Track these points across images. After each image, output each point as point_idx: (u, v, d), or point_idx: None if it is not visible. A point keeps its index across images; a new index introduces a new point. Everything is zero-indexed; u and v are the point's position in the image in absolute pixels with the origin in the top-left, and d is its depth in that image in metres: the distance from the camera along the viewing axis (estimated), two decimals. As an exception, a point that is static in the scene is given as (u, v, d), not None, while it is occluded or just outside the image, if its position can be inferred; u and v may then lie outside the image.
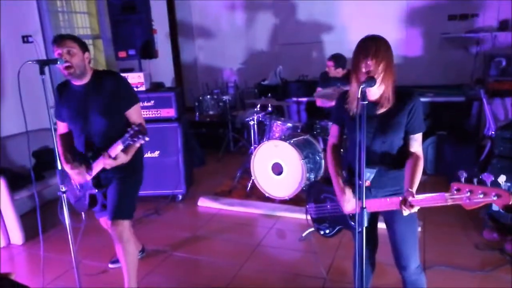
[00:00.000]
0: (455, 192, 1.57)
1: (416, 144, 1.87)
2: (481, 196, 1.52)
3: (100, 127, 2.39)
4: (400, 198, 1.74)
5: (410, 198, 1.67)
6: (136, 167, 2.58)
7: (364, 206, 1.63)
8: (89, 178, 2.44)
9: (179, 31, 7.53)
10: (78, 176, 2.44)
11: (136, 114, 2.47)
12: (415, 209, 1.68)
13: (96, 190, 2.50)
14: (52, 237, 3.60)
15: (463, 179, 1.54)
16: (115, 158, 2.28)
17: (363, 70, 1.72)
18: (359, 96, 1.55)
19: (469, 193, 1.54)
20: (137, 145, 2.32)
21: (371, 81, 1.64)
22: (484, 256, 3.00)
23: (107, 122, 2.38)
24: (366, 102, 1.58)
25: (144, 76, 4.09)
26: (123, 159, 2.33)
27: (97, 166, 2.37)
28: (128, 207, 2.53)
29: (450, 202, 1.60)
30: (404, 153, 1.89)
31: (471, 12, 5.74)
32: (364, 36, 1.79)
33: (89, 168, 2.41)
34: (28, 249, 3.51)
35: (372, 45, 1.71)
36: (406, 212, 1.70)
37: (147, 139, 2.14)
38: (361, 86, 1.57)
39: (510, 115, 4.57)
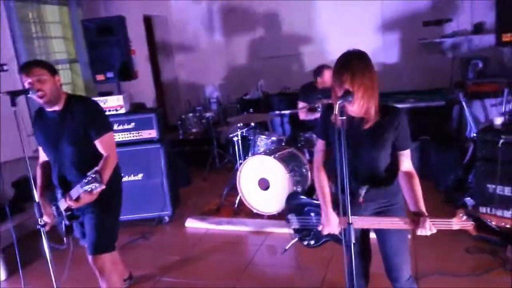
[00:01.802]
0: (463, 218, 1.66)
1: (407, 161, 1.86)
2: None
3: (70, 156, 2.32)
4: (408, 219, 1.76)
5: (428, 220, 1.69)
6: (113, 197, 2.49)
7: (350, 222, 1.60)
8: (62, 207, 2.36)
9: (158, 50, 7.51)
10: (47, 216, 2.35)
11: (105, 144, 2.36)
12: (434, 231, 1.70)
13: (68, 222, 2.41)
14: (36, 270, 3.46)
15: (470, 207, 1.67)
16: (77, 200, 2.18)
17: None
18: (336, 112, 1.53)
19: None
20: (96, 192, 2.14)
21: (347, 95, 1.63)
22: (476, 259, 2.99)
23: (77, 151, 2.31)
24: (345, 118, 1.57)
25: (124, 98, 4.04)
26: (87, 199, 2.21)
27: (63, 205, 2.29)
28: (106, 240, 2.45)
29: (455, 227, 1.69)
30: (392, 169, 1.88)
31: (445, 17, 5.85)
32: (340, 56, 1.74)
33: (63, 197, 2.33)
34: (12, 283, 3.39)
35: (347, 74, 1.66)
36: (425, 232, 1.70)
37: (103, 187, 2.06)
38: (338, 102, 1.55)
39: (490, 116, 4.63)
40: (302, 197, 2.21)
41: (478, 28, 5.57)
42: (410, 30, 6.05)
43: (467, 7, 5.71)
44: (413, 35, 6.00)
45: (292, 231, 2.27)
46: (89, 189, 2.05)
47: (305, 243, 2.21)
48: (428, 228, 1.68)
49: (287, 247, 3.31)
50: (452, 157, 4.25)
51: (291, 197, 2.29)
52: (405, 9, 6.03)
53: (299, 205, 2.18)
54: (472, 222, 1.62)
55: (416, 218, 1.72)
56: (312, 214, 2.12)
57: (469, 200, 1.39)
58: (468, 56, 5.41)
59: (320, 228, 1.97)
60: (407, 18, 6.06)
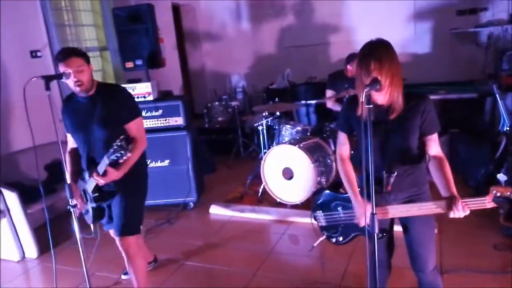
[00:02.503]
0: (498, 195, 1.58)
1: (435, 145, 1.83)
2: None
3: (101, 139, 2.38)
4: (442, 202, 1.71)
5: (461, 200, 1.65)
6: (139, 180, 2.56)
7: (375, 212, 1.59)
8: (89, 189, 2.43)
9: (186, 39, 7.56)
10: (78, 201, 2.43)
11: (135, 128, 2.43)
12: (467, 212, 1.66)
13: (95, 205, 2.48)
14: (66, 250, 3.62)
15: (503, 183, 1.57)
16: (104, 175, 2.24)
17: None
18: (362, 100, 1.52)
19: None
20: (123, 161, 2.18)
21: (375, 83, 1.61)
22: (503, 257, 2.91)
23: (108, 134, 2.35)
24: (371, 106, 1.56)
25: (152, 86, 4.10)
26: (114, 175, 2.27)
27: (91, 183, 2.36)
28: (133, 223, 2.51)
29: (489, 206, 1.62)
30: (419, 155, 1.86)
31: (480, 6, 5.64)
32: (364, 45, 1.73)
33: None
34: (43, 262, 3.53)
35: (375, 62, 1.64)
36: (458, 214, 1.66)
37: (129, 154, 2.07)
38: (365, 90, 1.54)
39: (525, 109, 4.46)
40: (328, 191, 2.17)
41: (515, 18, 5.34)
42: (443, 19, 5.86)
43: (504, -4, 5.48)
44: (446, 25, 5.82)
45: (319, 228, 2.24)
46: (116, 158, 2.07)
47: (333, 240, 2.17)
48: (460, 210, 1.64)
49: (315, 244, 3.33)
50: (483, 151, 4.12)
51: (317, 193, 2.26)
52: (439, -3, 5.84)
53: (325, 200, 2.16)
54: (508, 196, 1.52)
55: (448, 201, 1.67)
56: (340, 208, 2.09)
57: (502, 176, 1.34)
58: (503, 46, 5.20)
59: (356, 221, 1.94)
60: (440, 6, 5.87)
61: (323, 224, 2.20)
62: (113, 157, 2.09)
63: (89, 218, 2.60)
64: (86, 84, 2.30)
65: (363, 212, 1.86)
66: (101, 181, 2.27)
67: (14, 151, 4.06)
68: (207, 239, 3.67)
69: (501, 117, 4.23)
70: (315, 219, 2.23)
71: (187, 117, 4.19)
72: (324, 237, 2.24)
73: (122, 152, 2.04)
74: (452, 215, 1.67)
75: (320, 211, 2.18)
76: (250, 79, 7.33)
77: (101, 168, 2.23)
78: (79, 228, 2.23)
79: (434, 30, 6.03)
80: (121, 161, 2.15)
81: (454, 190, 1.72)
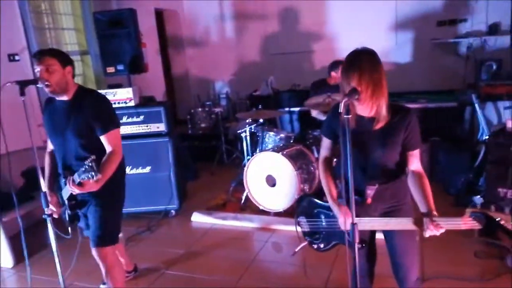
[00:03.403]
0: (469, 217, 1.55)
1: (416, 161, 1.83)
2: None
3: (74, 148, 2.31)
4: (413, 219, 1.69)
5: (435, 219, 1.62)
6: (114, 190, 2.47)
7: (355, 222, 1.58)
8: (65, 196, 2.36)
9: (169, 44, 7.51)
10: (54, 206, 2.37)
11: (111, 140, 2.33)
12: (442, 230, 1.63)
13: (71, 212, 2.41)
14: (43, 259, 3.51)
15: (478, 207, 1.54)
16: (80, 185, 2.14)
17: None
18: (341, 110, 1.50)
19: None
20: (93, 180, 2.09)
21: (353, 93, 1.60)
22: (484, 264, 2.94)
23: (81, 143, 2.30)
24: (350, 116, 1.54)
25: (133, 91, 4.04)
26: (91, 187, 2.17)
27: (66, 191, 2.29)
28: (109, 233, 2.45)
29: (464, 227, 1.58)
30: (400, 168, 1.85)
31: (459, 17, 5.76)
32: (349, 54, 1.72)
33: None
34: (19, 272, 3.42)
35: (355, 73, 1.63)
36: (431, 233, 1.64)
37: (99, 176, 2.01)
38: (344, 100, 1.52)
39: (503, 119, 4.56)
40: (312, 198, 2.16)
41: (493, 29, 5.47)
42: (424, 29, 5.96)
43: (482, 7, 5.61)
44: (427, 35, 5.92)
45: (301, 234, 2.22)
46: (86, 178, 2.01)
47: (315, 246, 2.17)
48: (432, 230, 1.62)
49: (296, 250, 3.31)
50: (462, 159, 4.19)
51: (302, 199, 2.25)
52: (419, 8, 5.94)
53: (309, 207, 2.15)
54: (479, 224, 1.52)
55: (422, 219, 1.66)
56: (322, 216, 2.08)
57: (478, 199, 1.34)
58: (482, 57, 5.32)
59: (340, 226, 1.92)
60: (421, 17, 5.97)
61: (306, 229, 2.19)
62: (83, 176, 2.02)
63: (66, 219, 2.53)
64: (55, 85, 2.21)
65: (344, 216, 1.85)
66: (76, 191, 2.18)
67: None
68: (189, 247, 3.61)
69: (480, 126, 4.33)
70: (299, 224, 2.21)
71: (169, 123, 4.14)
72: (306, 243, 2.23)
73: (92, 173, 1.97)
74: (426, 234, 1.65)
75: (303, 217, 2.17)
76: (234, 85, 7.32)
77: (76, 178, 2.14)
78: (55, 237, 2.16)
79: (415, 40, 6.13)
80: (91, 181, 2.07)
81: (431, 206, 1.70)
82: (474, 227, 1.56)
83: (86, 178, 2.01)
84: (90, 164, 1.96)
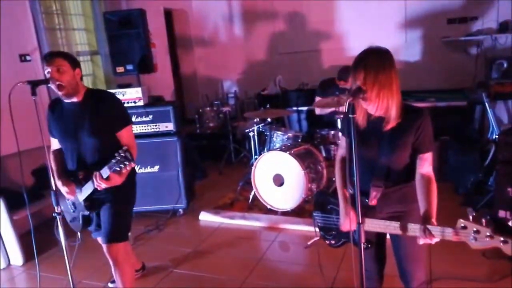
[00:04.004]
0: (460, 228, 1.48)
1: (426, 164, 1.76)
2: (487, 239, 1.41)
3: (91, 147, 2.35)
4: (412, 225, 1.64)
5: (429, 227, 1.56)
6: (129, 188, 2.53)
7: (360, 222, 1.57)
8: (80, 197, 2.39)
9: (177, 43, 7.54)
10: (68, 193, 2.40)
11: (126, 136, 2.42)
12: (437, 239, 1.57)
13: (87, 213, 2.45)
14: (52, 257, 3.56)
15: (471, 217, 1.45)
16: (107, 179, 2.22)
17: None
18: (345, 110, 1.50)
19: (475, 234, 1.44)
20: (125, 170, 2.17)
21: (358, 92, 1.59)
22: (493, 265, 2.92)
23: (98, 142, 2.34)
24: (355, 115, 1.53)
25: (142, 91, 4.07)
26: (116, 180, 2.26)
27: (88, 188, 2.32)
28: (121, 230, 2.49)
29: (454, 239, 1.51)
30: (411, 171, 1.79)
31: (470, 15, 5.70)
32: (359, 54, 1.69)
33: (79, 188, 2.37)
34: (28, 269, 3.47)
35: (360, 71, 1.62)
36: (423, 241, 1.59)
37: (133, 165, 2.08)
38: (348, 99, 1.51)
39: (513, 118, 4.51)
40: (327, 194, 2.19)
41: (504, 27, 5.40)
42: (434, 27, 5.91)
43: (493, 5, 5.55)
44: (437, 33, 5.87)
45: (317, 228, 2.25)
46: (119, 168, 2.07)
47: (327, 241, 2.20)
48: (426, 238, 1.56)
49: (309, 243, 3.32)
50: (472, 159, 4.15)
51: (319, 194, 2.28)
52: (429, 6, 5.89)
53: (324, 202, 2.17)
54: (472, 235, 1.42)
55: (420, 227, 1.60)
56: (334, 213, 2.09)
57: (470, 211, 1.30)
58: (492, 55, 5.26)
59: (341, 228, 1.94)
60: (431, 15, 5.91)
61: (320, 224, 2.21)
62: (116, 168, 2.08)
63: (76, 226, 2.57)
64: (68, 87, 2.25)
65: (345, 219, 1.86)
66: (103, 186, 2.23)
67: (2, 156, 3.99)
68: (197, 246, 3.63)
69: (490, 125, 4.28)
70: (314, 219, 2.23)
71: (178, 122, 4.17)
72: (318, 238, 2.24)
73: (126, 163, 2.04)
74: (418, 241, 1.61)
75: (318, 212, 2.19)
76: (242, 85, 7.33)
77: (104, 173, 2.19)
78: (64, 235, 2.20)
79: (425, 38, 6.08)
80: (124, 171, 2.14)
81: (431, 214, 1.64)
82: (464, 240, 1.48)
83: (119, 168, 2.07)
84: (123, 154, 2.02)
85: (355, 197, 1.59)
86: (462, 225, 1.47)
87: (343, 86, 4.31)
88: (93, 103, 2.35)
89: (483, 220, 1.44)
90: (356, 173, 1.55)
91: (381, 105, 1.67)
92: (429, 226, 1.57)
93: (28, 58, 4.35)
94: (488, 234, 1.41)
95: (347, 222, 1.87)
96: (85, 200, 2.38)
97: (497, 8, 5.54)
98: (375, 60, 1.64)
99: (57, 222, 2.16)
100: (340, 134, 2.05)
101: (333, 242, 2.16)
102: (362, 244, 1.59)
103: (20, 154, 2.18)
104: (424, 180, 1.75)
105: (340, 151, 2.04)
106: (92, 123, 2.32)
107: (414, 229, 1.62)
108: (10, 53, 4.17)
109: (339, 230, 2.05)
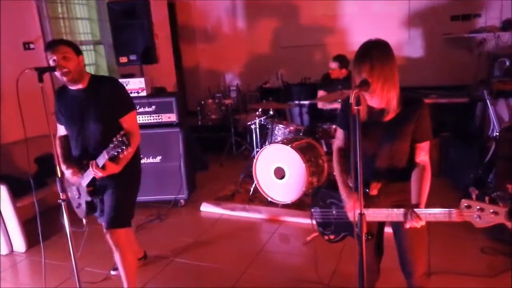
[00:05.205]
0: (464, 208, 1.50)
1: (423, 153, 1.81)
2: (492, 215, 1.43)
3: (95, 133, 2.37)
4: (403, 210, 1.67)
5: (417, 211, 1.62)
6: (133, 174, 2.56)
7: (362, 213, 1.59)
8: (83, 183, 2.42)
9: (180, 35, 7.53)
10: (72, 174, 2.42)
11: (129, 122, 2.44)
12: (422, 223, 1.63)
13: (90, 199, 2.47)
14: (55, 244, 3.59)
15: (474, 196, 1.48)
16: (103, 168, 2.24)
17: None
18: (351, 101, 1.50)
19: (479, 211, 1.46)
20: (123, 156, 2.20)
21: (364, 85, 1.60)
22: (491, 260, 2.95)
23: (102, 128, 2.36)
24: (360, 107, 1.53)
25: (145, 81, 4.08)
26: (113, 169, 2.29)
27: (89, 175, 2.34)
28: (124, 216, 2.51)
29: (459, 219, 1.53)
30: (411, 161, 1.83)
31: (474, 12, 5.70)
32: (361, 44, 1.72)
33: (83, 173, 2.40)
34: (31, 256, 3.50)
35: (366, 64, 1.64)
36: (410, 224, 1.64)
37: (129, 149, 2.10)
38: (354, 91, 1.52)
39: (514, 116, 4.53)
40: (326, 189, 2.19)
41: (507, 25, 5.40)
42: (437, 24, 5.90)
43: (496, 2, 5.54)
44: (440, 30, 5.87)
45: (315, 224, 2.25)
46: (116, 153, 2.09)
47: (326, 237, 2.20)
48: (411, 220, 1.62)
49: (308, 239, 3.35)
50: (472, 155, 4.17)
51: (317, 190, 2.29)
52: (433, 2, 5.88)
53: (322, 197, 2.18)
54: (476, 213, 1.44)
55: (406, 211, 1.65)
56: (333, 207, 2.11)
57: (473, 190, 1.31)
58: (495, 53, 5.26)
59: (348, 214, 1.94)
60: (434, 12, 5.91)
61: (319, 220, 2.22)
62: (113, 152, 2.10)
63: (81, 212, 2.59)
64: (74, 73, 2.28)
65: (351, 202, 1.85)
66: (100, 174, 2.26)
67: (4, 143, 4.01)
68: (197, 237, 3.66)
69: (491, 122, 4.30)
70: (312, 216, 2.25)
71: (180, 113, 4.18)
72: (317, 233, 2.26)
73: (123, 147, 2.06)
74: (405, 225, 1.66)
75: (317, 208, 2.20)
76: (244, 77, 7.32)
77: (100, 161, 2.22)
78: (69, 222, 2.22)
79: (427, 34, 6.08)
80: (121, 156, 2.16)
81: (421, 200, 1.70)
82: (468, 220, 1.50)
83: (116, 153, 2.10)
84: (120, 138, 2.05)
85: (357, 187, 1.61)
86: (466, 204, 1.49)
87: (337, 76, 4.35)
88: (97, 89, 2.38)
89: (486, 198, 1.45)
90: (360, 165, 1.56)
91: (384, 97, 1.70)
92: (423, 209, 1.62)
93: (31, 46, 4.35)
94: (492, 210, 1.42)
95: (352, 204, 1.87)
96: (88, 185, 2.41)
97: (500, 6, 5.54)
98: (379, 52, 1.66)
99: (62, 208, 2.18)
100: (333, 126, 2.05)
101: (332, 237, 2.17)
102: (363, 235, 1.61)
103: (27, 141, 2.19)
104: (418, 168, 1.80)
105: (337, 142, 2.07)
106: (97, 109, 2.35)
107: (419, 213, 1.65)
108: (14, 41, 4.17)
109: (339, 224, 2.08)
